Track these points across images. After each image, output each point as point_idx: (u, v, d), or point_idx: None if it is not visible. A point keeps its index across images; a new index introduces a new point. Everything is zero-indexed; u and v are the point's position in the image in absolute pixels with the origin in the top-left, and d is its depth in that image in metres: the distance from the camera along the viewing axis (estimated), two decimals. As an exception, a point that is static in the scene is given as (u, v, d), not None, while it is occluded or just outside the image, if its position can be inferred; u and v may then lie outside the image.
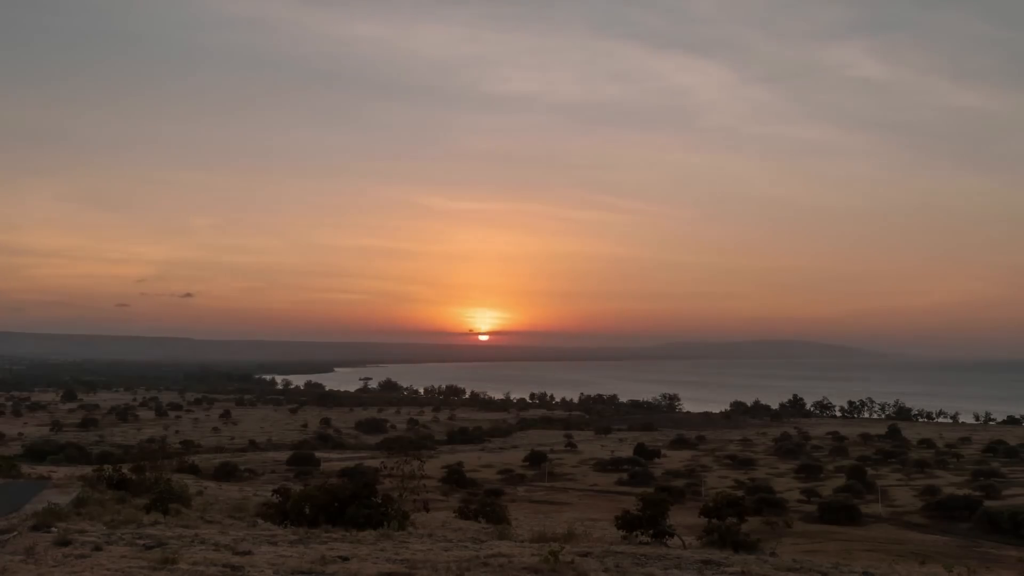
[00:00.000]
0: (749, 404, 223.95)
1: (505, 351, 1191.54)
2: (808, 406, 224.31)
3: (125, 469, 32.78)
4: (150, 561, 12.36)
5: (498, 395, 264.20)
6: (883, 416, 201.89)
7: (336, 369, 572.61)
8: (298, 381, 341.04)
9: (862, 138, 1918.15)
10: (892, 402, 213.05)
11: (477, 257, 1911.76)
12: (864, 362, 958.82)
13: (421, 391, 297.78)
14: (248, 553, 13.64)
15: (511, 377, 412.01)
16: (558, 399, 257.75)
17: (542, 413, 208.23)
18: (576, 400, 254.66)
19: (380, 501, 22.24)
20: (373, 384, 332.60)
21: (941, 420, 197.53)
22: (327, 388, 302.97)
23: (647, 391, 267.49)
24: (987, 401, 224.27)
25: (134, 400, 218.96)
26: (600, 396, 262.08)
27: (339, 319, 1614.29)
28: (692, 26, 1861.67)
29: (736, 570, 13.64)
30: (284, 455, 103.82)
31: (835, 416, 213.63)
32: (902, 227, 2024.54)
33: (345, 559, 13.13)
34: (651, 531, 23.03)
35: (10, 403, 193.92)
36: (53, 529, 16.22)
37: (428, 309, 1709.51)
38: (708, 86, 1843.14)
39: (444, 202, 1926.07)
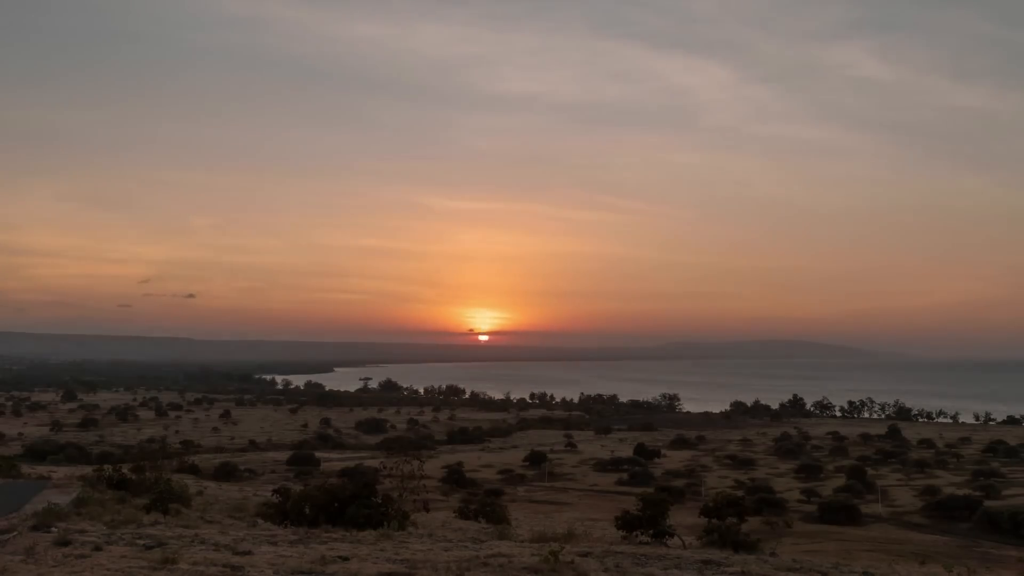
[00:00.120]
0: (749, 404, 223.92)
1: (505, 351, 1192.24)
2: (808, 406, 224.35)
3: (125, 469, 32.74)
4: (150, 561, 12.37)
5: (498, 395, 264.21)
6: (883, 416, 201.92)
7: (336, 369, 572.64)
8: (298, 381, 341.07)
9: (862, 138, 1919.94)
10: (892, 402, 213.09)
11: (477, 257, 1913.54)
12: (864, 362, 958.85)
13: (421, 391, 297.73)
14: (248, 553, 13.65)
15: (511, 377, 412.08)
16: (558, 399, 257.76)
17: (542, 413, 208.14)
18: (576, 400, 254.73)
19: (380, 501, 22.24)
20: (373, 384, 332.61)
21: (941, 420, 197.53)
22: (327, 388, 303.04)
23: (647, 391, 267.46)
24: (987, 401, 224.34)
25: (134, 400, 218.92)
26: (600, 396, 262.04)
27: (339, 319, 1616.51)
28: (692, 26, 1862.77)
29: (736, 570, 13.64)
30: (284, 455, 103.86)
31: (835, 416, 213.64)
32: (902, 227, 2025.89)
33: (345, 559, 13.14)
34: (651, 531, 22.99)
35: (10, 403, 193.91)
36: (53, 529, 16.23)
37: (428, 309, 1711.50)
38: (709, 86, 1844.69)
39: (444, 202, 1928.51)
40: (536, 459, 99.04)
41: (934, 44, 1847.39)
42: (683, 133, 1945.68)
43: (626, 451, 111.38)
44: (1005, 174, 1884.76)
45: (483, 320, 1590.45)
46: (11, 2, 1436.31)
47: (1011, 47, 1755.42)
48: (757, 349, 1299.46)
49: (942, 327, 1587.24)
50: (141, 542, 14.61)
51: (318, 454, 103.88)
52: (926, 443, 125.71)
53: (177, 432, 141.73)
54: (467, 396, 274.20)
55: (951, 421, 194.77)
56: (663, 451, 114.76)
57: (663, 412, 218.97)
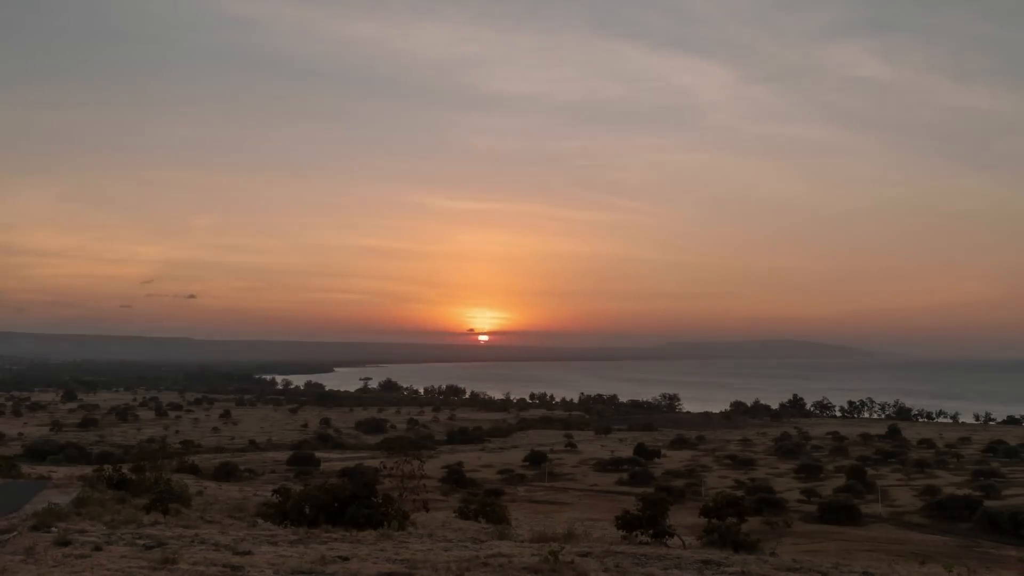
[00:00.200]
0: (749, 404, 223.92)
1: (505, 351, 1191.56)
2: (808, 406, 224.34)
3: (125, 469, 32.75)
4: (150, 561, 12.37)
5: (498, 395, 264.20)
6: (883, 416, 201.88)
7: (336, 369, 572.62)
8: (298, 381, 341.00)
9: (862, 138, 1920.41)
10: (892, 402, 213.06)
11: (477, 257, 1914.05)
12: (864, 362, 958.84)
13: (421, 391, 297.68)
14: (248, 553, 13.65)
15: (511, 377, 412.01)
16: (558, 399, 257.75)
17: (542, 413, 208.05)
18: (576, 400, 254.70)
19: (380, 501, 22.23)
20: (373, 384, 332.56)
21: (941, 420, 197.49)
22: (327, 388, 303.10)
23: (647, 391, 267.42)
24: (987, 401, 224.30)
25: (134, 400, 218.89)
26: (600, 396, 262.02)
27: (339, 319, 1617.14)
28: (693, 26, 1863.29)
29: (736, 570, 13.64)
30: (284, 455, 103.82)
31: (835, 416, 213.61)
32: (902, 227, 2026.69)
33: (345, 559, 13.14)
34: (651, 531, 22.98)
35: (10, 403, 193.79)
36: (53, 529, 16.23)
37: (428, 309, 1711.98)
38: (709, 86, 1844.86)
39: (444, 202, 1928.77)
40: (536, 459, 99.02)
41: (934, 44, 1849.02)
42: (683, 133, 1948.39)
43: (626, 451, 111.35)
44: (1004, 174, 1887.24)
45: (483, 320, 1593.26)
46: (12, 2, 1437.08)
47: (1011, 47, 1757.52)
48: (757, 349, 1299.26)
49: (942, 327, 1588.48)
50: (141, 542, 14.61)
51: (318, 454, 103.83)
52: (926, 443, 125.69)
53: (177, 432, 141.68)
54: (467, 396, 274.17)
55: (951, 421, 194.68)
56: (663, 451, 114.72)
57: (663, 412, 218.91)
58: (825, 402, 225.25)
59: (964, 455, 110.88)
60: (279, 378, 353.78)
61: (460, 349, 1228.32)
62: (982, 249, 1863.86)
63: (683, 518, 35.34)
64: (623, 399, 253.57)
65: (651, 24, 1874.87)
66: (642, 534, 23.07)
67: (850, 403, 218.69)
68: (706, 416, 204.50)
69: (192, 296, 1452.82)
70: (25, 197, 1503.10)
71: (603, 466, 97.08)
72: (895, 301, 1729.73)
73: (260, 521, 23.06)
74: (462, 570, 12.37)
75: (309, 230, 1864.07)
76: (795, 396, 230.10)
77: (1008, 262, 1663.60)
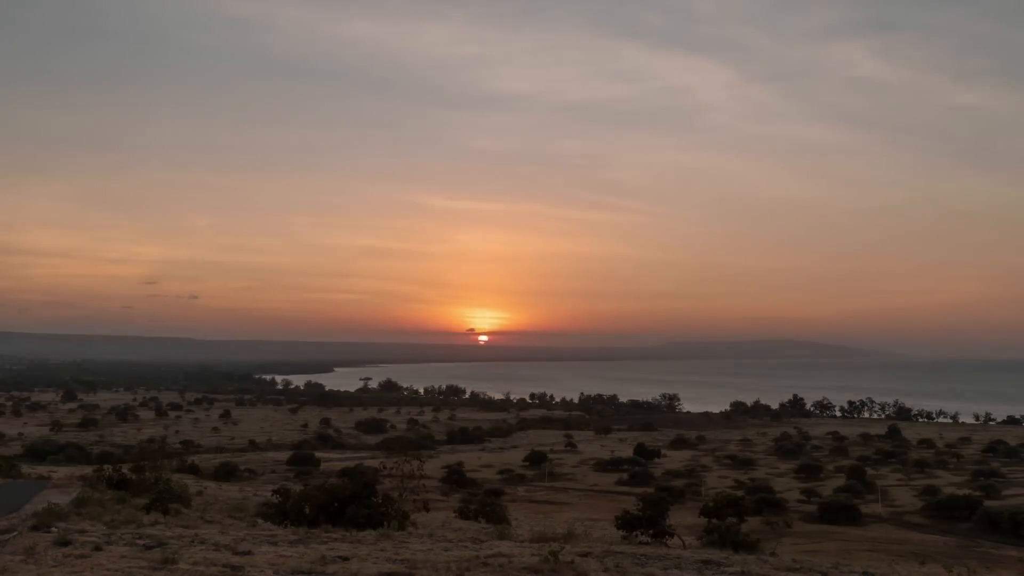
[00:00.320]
0: (749, 404, 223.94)
1: (505, 351, 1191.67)
2: (808, 406, 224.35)
3: (125, 469, 32.75)
4: (150, 561, 12.36)
5: (498, 395, 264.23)
6: (883, 416, 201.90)
7: (336, 369, 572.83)
8: (298, 381, 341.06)
9: (862, 138, 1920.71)
10: (892, 402, 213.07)
11: (477, 257, 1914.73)
12: (863, 362, 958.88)
13: (421, 391, 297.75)
14: (248, 553, 13.65)
15: (511, 377, 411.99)
16: (558, 399, 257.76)
17: (542, 413, 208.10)
18: (576, 400, 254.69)
19: (380, 501, 22.22)
20: (373, 384, 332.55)
21: (941, 420, 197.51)
22: (327, 388, 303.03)
23: (647, 391, 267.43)
24: (987, 401, 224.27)
25: (134, 400, 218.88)
26: (600, 396, 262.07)
27: (339, 319, 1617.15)
28: (692, 26, 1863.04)
29: (736, 570, 13.64)
30: (284, 455, 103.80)
31: (835, 416, 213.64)
32: (902, 227, 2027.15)
33: (345, 559, 13.14)
34: (651, 531, 22.98)
35: (10, 403, 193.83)
36: (53, 529, 16.23)
37: (428, 309, 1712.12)
38: (708, 86, 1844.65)
39: (444, 202, 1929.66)
40: (536, 459, 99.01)
41: (934, 44, 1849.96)
42: (683, 133, 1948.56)
43: (626, 451, 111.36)
44: (1004, 174, 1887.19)
45: (483, 320, 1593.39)
46: (12, 1, 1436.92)
47: (1011, 47, 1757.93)
48: (757, 349, 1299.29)
49: (942, 327, 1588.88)
50: (141, 542, 14.61)
51: (318, 454, 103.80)
52: (926, 443, 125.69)
53: (177, 432, 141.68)
54: (467, 396, 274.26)
55: (951, 421, 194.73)
56: (663, 451, 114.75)
57: (663, 412, 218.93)
58: (825, 402, 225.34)
59: (964, 455, 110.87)
60: (279, 378, 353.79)
61: (460, 349, 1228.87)
62: (982, 249, 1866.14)
63: (683, 518, 35.34)
64: (623, 399, 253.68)
65: (651, 24, 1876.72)
66: (642, 534, 23.06)
67: (850, 403, 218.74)
68: (706, 416, 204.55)
69: (194, 296, 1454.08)
70: (25, 197, 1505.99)
71: (603, 466, 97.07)
72: (895, 301, 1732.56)
73: (260, 521, 23.06)
74: (462, 570, 12.37)
75: (309, 230, 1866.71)
76: (795, 396, 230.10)
77: (1008, 262, 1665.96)
